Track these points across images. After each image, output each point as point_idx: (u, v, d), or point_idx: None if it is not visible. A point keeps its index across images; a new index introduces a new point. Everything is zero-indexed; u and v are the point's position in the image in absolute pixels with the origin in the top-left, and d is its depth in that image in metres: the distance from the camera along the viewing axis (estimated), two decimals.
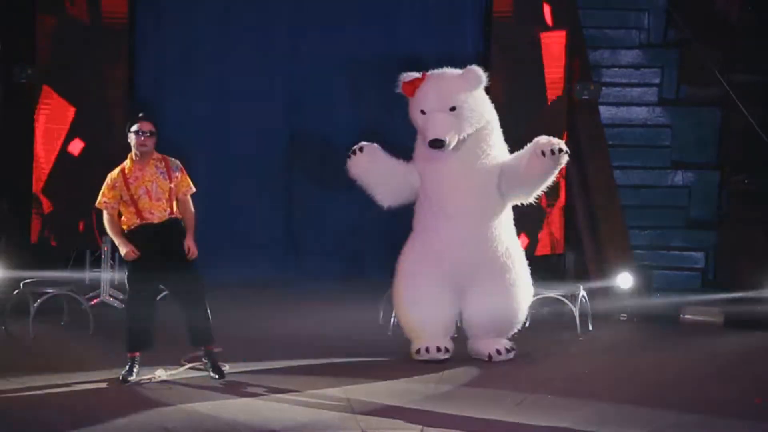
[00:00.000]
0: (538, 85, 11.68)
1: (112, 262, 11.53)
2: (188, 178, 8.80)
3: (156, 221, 8.61)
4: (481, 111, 9.35)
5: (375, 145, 9.58)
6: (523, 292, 9.58)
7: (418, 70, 12.05)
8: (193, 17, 12.20)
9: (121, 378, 8.59)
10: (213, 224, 11.56)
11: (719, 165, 13.33)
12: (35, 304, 10.29)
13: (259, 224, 12.39)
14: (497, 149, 9.49)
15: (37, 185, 11.30)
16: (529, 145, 9.26)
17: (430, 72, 9.44)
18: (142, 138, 8.58)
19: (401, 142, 12.30)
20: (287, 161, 12.39)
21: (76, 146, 11.24)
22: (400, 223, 11.87)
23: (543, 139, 9.18)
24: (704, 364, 9.79)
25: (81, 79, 11.26)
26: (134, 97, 11.77)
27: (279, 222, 12.45)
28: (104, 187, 8.67)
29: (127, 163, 8.69)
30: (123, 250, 8.56)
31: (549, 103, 11.68)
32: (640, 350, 10.34)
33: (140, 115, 8.74)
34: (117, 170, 8.69)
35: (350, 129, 12.29)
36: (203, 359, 8.86)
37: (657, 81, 13.62)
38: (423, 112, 9.32)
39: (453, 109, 9.20)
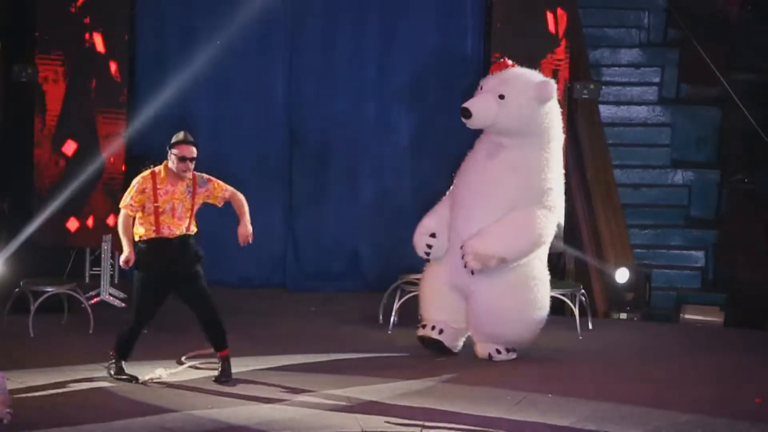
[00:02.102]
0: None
1: (111, 261, 11.53)
2: (220, 182, 8.80)
3: (170, 237, 8.62)
4: (530, 120, 9.34)
5: (427, 223, 9.62)
6: (531, 306, 9.56)
7: (418, 70, 12.14)
8: (193, 17, 12.17)
9: (130, 378, 8.66)
10: (213, 224, 11.55)
11: (719, 164, 13.32)
12: (35, 303, 10.28)
13: (259, 224, 12.36)
14: (537, 172, 9.44)
15: (37, 185, 11.28)
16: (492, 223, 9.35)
17: (520, 67, 9.64)
18: (186, 164, 8.59)
19: (402, 140, 12.35)
20: (287, 161, 12.37)
21: (69, 147, 11.21)
22: (400, 223, 11.91)
23: (468, 249, 9.28)
24: (704, 363, 9.80)
25: (80, 80, 11.23)
26: (134, 97, 11.74)
27: (279, 222, 12.43)
28: (133, 188, 8.63)
29: (160, 171, 8.65)
30: (124, 256, 8.58)
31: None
32: (640, 350, 10.34)
33: (183, 136, 8.67)
34: (148, 174, 8.66)
35: (350, 128, 12.30)
36: (219, 364, 8.85)
37: (657, 80, 13.62)
38: (481, 88, 9.53)
39: (502, 97, 9.31)
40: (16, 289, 10.51)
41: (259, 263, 12.42)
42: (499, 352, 9.54)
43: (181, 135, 8.68)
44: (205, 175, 8.78)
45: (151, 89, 12.02)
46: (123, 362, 8.72)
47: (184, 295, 8.71)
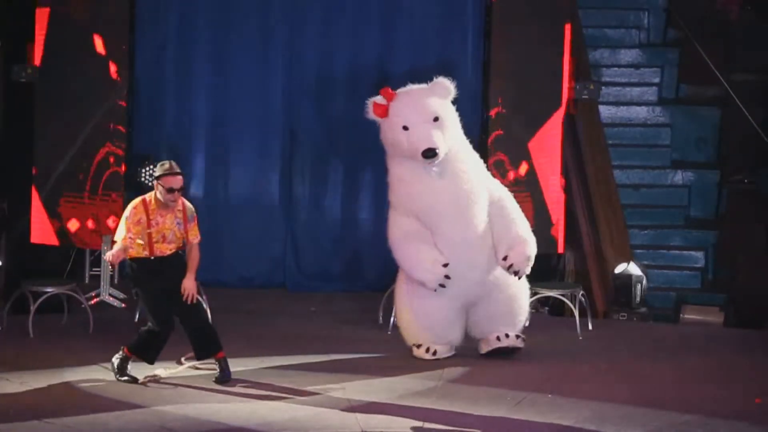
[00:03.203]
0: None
1: None
2: (197, 227, 8.81)
3: (163, 256, 8.68)
4: (453, 122, 9.29)
5: (438, 256, 9.28)
6: (517, 288, 9.60)
7: (419, 70, 12.11)
8: (192, 17, 12.17)
9: (130, 378, 8.69)
10: (213, 224, 11.56)
11: (719, 164, 13.33)
12: (35, 304, 10.28)
13: (259, 224, 12.38)
14: (476, 163, 9.43)
15: (37, 184, 11.28)
16: (505, 232, 9.27)
17: (397, 91, 9.35)
18: (174, 195, 8.61)
19: None
20: (287, 161, 12.37)
21: (74, 146, 11.21)
22: None
23: (519, 258, 9.21)
24: (704, 363, 9.79)
25: (78, 81, 11.22)
26: (133, 97, 11.75)
27: (279, 222, 12.44)
28: (127, 221, 8.64)
29: (151, 202, 8.67)
30: (111, 254, 8.61)
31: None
32: (639, 350, 10.33)
33: (169, 167, 8.64)
34: (139, 203, 8.67)
35: (350, 128, 12.28)
36: (213, 362, 8.87)
37: (657, 80, 13.63)
38: (405, 127, 9.13)
39: (436, 119, 9.13)
40: (16, 290, 10.52)
41: (259, 263, 12.44)
42: (507, 336, 9.53)
43: (167, 165, 8.68)
44: (194, 212, 8.81)
45: (151, 89, 12.05)
46: (129, 362, 8.73)
47: (175, 304, 8.73)
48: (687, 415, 8.07)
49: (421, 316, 9.53)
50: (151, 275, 8.65)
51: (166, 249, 8.68)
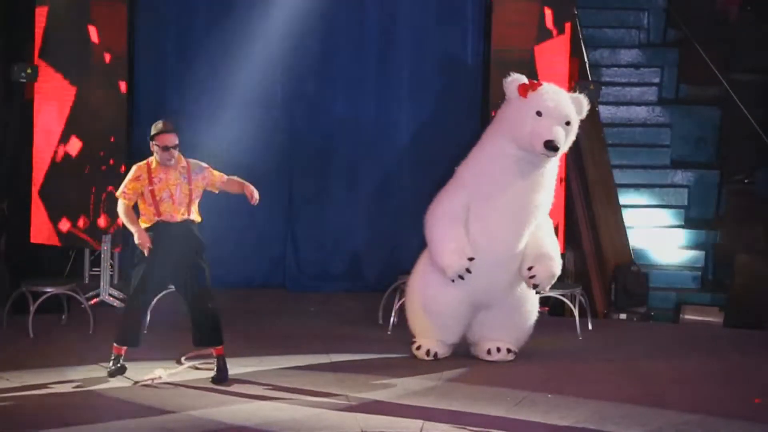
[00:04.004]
0: None
1: (111, 261, 11.53)
2: (215, 171, 8.88)
3: (172, 221, 8.66)
4: (569, 142, 9.31)
5: (456, 247, 9.26)
6: (531, 306, 9.63)
7: (419, 70, 12.13)
8: (192, 17, 12.17)
9: (108, 374, 8.66)
10: (213, 224, 11.53)
11: (719, 164, 13.33)
12: (35, 304, 10.28)
13: (259, 224, 12.38)
14: (553, 184, 9.44)
15: (36, 184, 11.28)
16: (536, 246, 9.28)
17: (545, 83, 9.37)
18: (170, 152, 8.64)
19: (400, 140, 12.35)
20: (287, 161, 12.37)
21: (68, 147, 11.20)
22: (399, 223, 11.92)
23: (544, 274, 9.22)
24: (704, 363, 9.79)
25: (77, 81, 11.22)
26: (133, 98, 11.75)
27: (279, 222, 12.44)
28: (129, 176, 8.73)
29: (152, 162, 8.73)
30: (138, 238, 8.58)
31: None
32: (640, 350, 10.33)
33: (162, 126, 8.70)
34: (143, 163, 8.76)
35: (351, 128, 12.30)
36: (212, 361, 8.85)
37: (656, 80, 13.64)
38: (539, 113, 9.08)
39: (568, 123, 9.15)
40: (16, 290, 10.52)
41: (259, 263, 12.44)
42: (498, 350, 9.54)
43: (160, 125, 8.72)
44: (203, 163, 8.84)
45: (150, 89, 12.04)
46: (121, 360, 8.72)
47: (183, 285, 8.69)
48: (687, 415, 8.07)
49: (431, 306, 9.53)
50: (157, 242, 8.59)
51: (175, 212, 8.63)
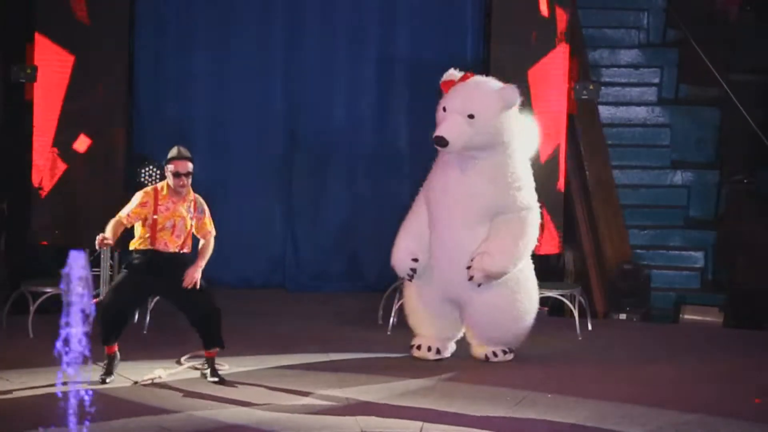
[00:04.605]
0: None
1: (111, 262, 11.52)
2: (210, 221, 8.85)
3: (164, 251, 8.68)
4: (501, 131, 9.28)
5: (405, 246, 9.52)
6: (526, 304, 9.57)
7: (418, 71, 12.11)
8: (192, 17, 12.17)
9: (99, 380, 8.64)
10: (213, 224, 11.54)
11: (718, 164, 13.33)
12: (35, 304, 10.27)
13: (258, 224, 12.38)
14: (510, 178, 9.41)
15: (36, 184, 11.26)
16: (487, 241, 9.29)
17: (475, 76, 9.46)
18: (181, 179, 8.64)
19: (400, 140, 12.35)
20: (287, 161, 12.37)
21: (67, 148, 11.19)
22: (399, 223, 11.88)
23: (477, 269, 9.22)
24: (703, 363, 9.80)
25: (76, 82, 11.21)
26: (133, 98, 11.74)
27: (279, 222, 12.44)
28: (135, 202, 8.70)
29: (163, 188, 8.74)
30: (101, 236, 8.56)
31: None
32: (639, 350, 10.34)
33: (176, 152, 8.72)
34: (150, 189, 8.77)
35: (351, 128, 12.29)
36: (203, 363, 8.85)
37: (656, 81, 13.63)
38: (444, 109, 9.31)
39: (471, 116, 9.18)
40: (16, 290, 10.52)
41: (259, 263, 12.43)
42: (495, 354, 9.54)
43: (174, 150, 8.74)
44: (205, 206, 8.84)
45: (150, 89, 12.03)
46: (115, 361, 8.73)
47: (177, 301, 8.74)
48: (687, 415, 8.07)
49: (412, 304, 9.73)
50: (147, 266, 8.63)
51: (170, 242, 8.65)
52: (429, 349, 9.59)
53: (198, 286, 8.63)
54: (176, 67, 12.15)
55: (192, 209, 8.75)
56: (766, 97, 13.08)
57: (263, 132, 12.31)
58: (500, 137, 9.30)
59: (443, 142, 9.16)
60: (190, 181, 8.72)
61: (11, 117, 11.83)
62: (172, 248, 8.67)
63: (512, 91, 9.28)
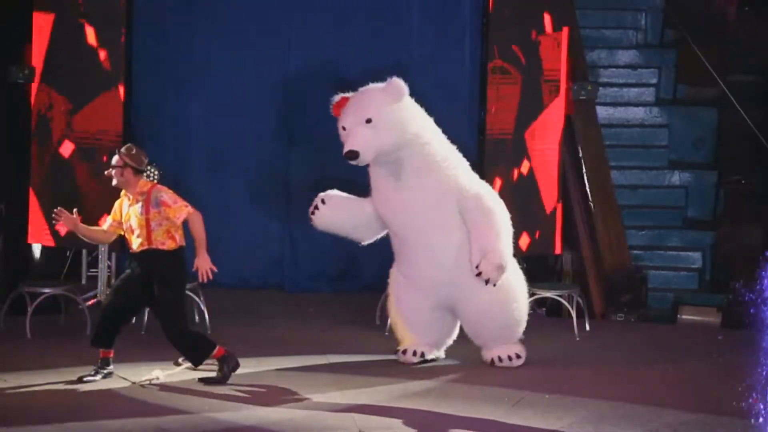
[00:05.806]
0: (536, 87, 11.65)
1: (109, 262, 11.52)
2: (176, 205, 8.65)
3: (137, 252, 8.72)
4: (404, 124, 9.23)
5: (335, 192, 9.61)
6: (516, 290, 9.52)
7: (417, 72, 12.10)
8: (191, 16, 12.16)
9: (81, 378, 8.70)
10: (211, 225, 11.52)
11: (716, 165, 13.33)
12: (32, 305, 10.27)
13: (256, 225, 12.37)
14: (443, 162, 9.35)
15: (34, 185, 11.27)
16: (478, 239, 9.19)
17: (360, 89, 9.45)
18: (108, 171, 8.75)
19: None
20: (285, 162, 12.36)
21: (66, 148, 11.19)
22: None
23: (489, 266, 9.10)
24: (701, 364, 9.80)
25: (76, 82, 11.21)
26: (131, 100, 11.73)
27: (277, 223, 12.43)
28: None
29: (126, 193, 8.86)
30: (66, 216, 8.78)
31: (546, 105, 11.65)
32: (637, 350, 10.34)
33: (119, 149, 8.84)
34: (123, 195, 8.84)
35: None
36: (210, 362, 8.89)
37: (654, 81, 13.62)
38: (344, 128, 9.29)
39: (369, 121, 9.15)
40: (14, 291, 10.52)
41: (257, 264, 12.42)
42: (500, 359, 9.49)
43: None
44: (164, 196, 8.66)
45: (148, 89, 12.02)
46: (110, 363, 8.77)
47: (154, 310, 8.90)
48: (685, 415, 8.08)
49: (397, 308, 9.65)
50: (133, 270, 8.79)
51: (133, 243, 8.70)
52: (414, 353, 9.56)
53: (210, 276, 8.61)
54: (175, 70, 12.14)
55: (144, 203, 8.65)
56: (764, 97, 13.08)
57: (261, 133, 12.30)
58: (406, 131, 9.23)
59: (354, 154, 9.11)
60: (120, 175, 8.66)
61: (9, 117, 11.82)
62: (135, 247, 8.70)
63: (397, 83, 9.26)
